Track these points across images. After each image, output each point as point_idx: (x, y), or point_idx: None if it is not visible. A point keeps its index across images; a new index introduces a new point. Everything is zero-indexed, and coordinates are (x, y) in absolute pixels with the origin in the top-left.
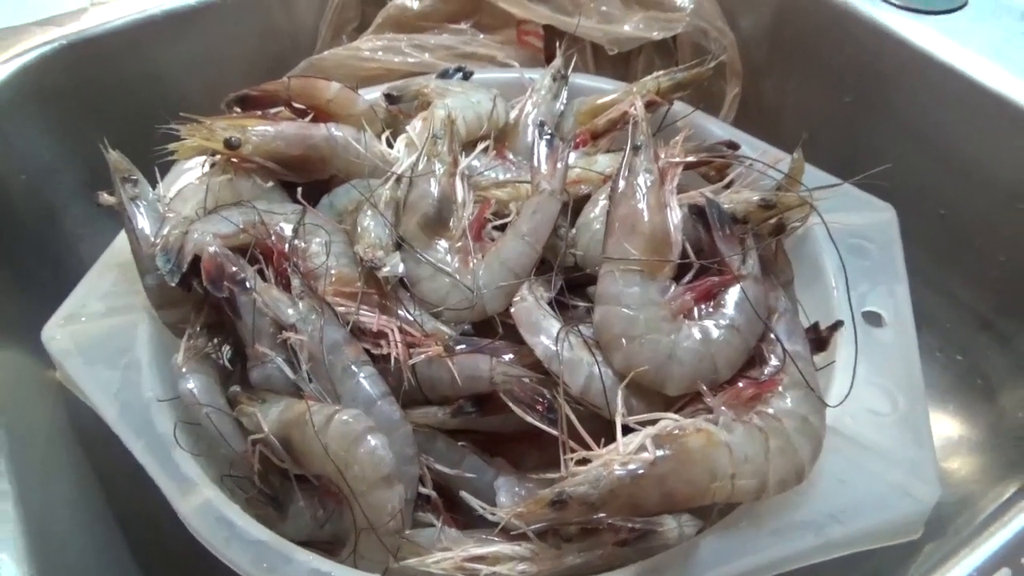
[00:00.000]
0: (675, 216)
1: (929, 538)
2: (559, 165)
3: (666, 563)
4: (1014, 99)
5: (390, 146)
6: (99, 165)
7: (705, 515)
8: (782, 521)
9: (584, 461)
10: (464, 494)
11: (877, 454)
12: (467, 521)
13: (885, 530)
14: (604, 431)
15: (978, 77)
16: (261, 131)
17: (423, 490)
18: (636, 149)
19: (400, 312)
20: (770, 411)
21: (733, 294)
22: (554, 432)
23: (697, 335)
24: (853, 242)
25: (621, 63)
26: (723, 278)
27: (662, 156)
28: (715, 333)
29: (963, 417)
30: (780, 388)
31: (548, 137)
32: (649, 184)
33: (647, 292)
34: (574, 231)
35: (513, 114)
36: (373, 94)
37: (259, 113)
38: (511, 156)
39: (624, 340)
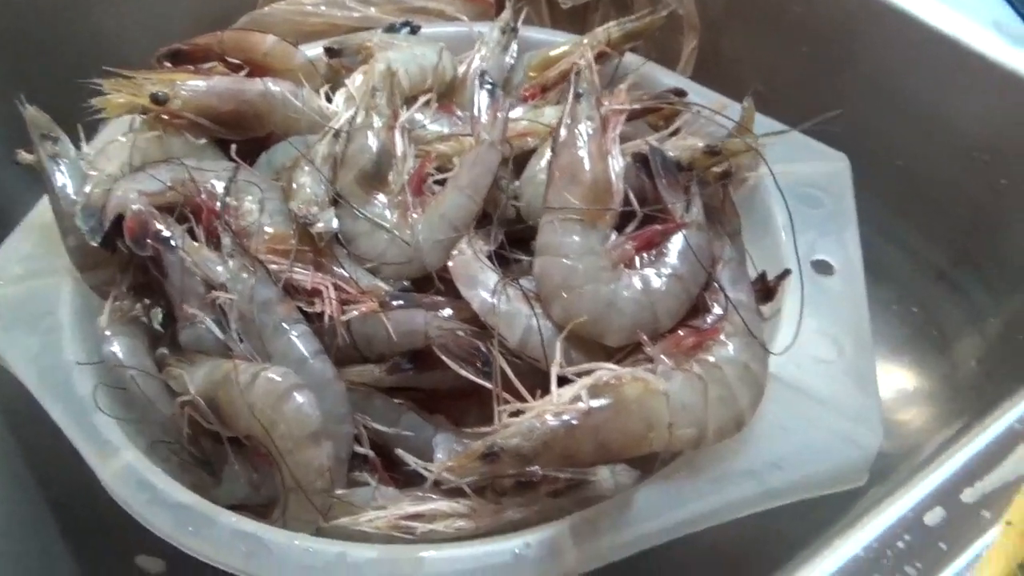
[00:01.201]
0: (617, 164)
1: (875, 484)
2: (500, 115)
3: (602, 513)
4: (973, 47)
5: (330, 101)
6: (14, 123)
7: (649, 466)
8: (722, 470)
9: (519, 413)
10: (400, 451)
11: (820, 402)
12: (409, 481)
13: (828, 477)
14: (544, 385)
15: (937, 24)
16: (191, 86)
17: (360, 449)
18: (578, 97)
19: (336, 269)
20: (711, 359)
21: (676, 243)
22: (488, 385)
23: (638, 284)
24: (804, 191)
25: (578, 18)
26: (666, 226)
27: (605, 103)
28: (656, 282)
29: (918, 369)
30: (722, 336)
31: (489, 87)
32: (591, 132)
33: (587, 241)
34: (517, 183)
35: (461, 68)
36: (315, 50)
37: (191, 68)
38: (459, 112)
39: (563, 291)
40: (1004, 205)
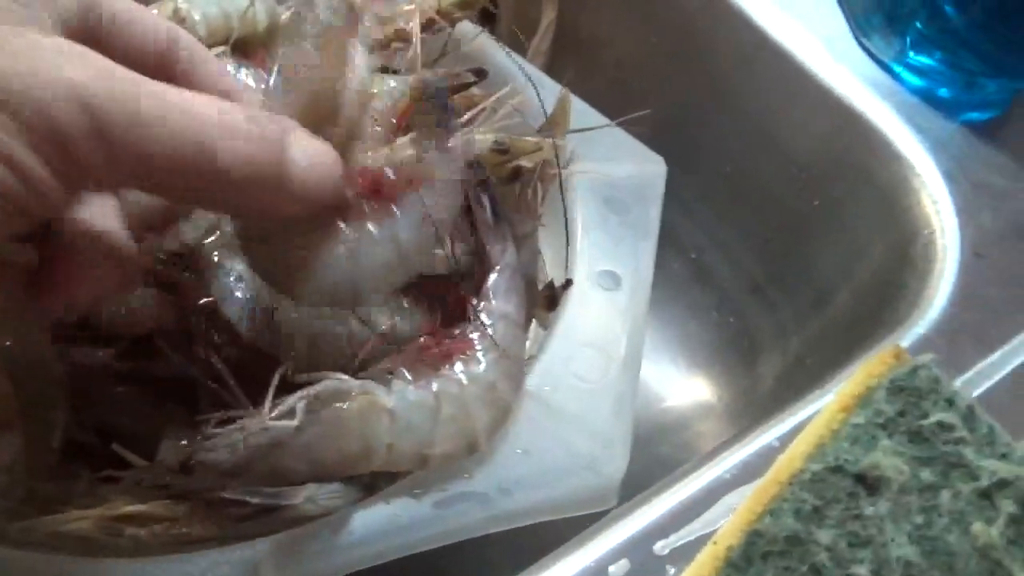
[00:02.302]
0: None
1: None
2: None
3: (310, 535)
4: (799, 59)
5: None
6: None
7: (374, 485)
8: (448, 492)
9: (228, 422)
10: (116, 446)
11: (571, 424)
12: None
13: (567, 502)
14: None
15: (770, 30)
16: None
17: (83, 438)
18: None
19: None
20: (456, 375)
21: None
22: (212, 385)
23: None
24: (612, 195)
25: None
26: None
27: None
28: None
29: (723, 381)
30: (477, 350)
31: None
32: None
33: None
34: None
35: (284, 17)
36: None
37: None
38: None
39: None
40: (815, 226)
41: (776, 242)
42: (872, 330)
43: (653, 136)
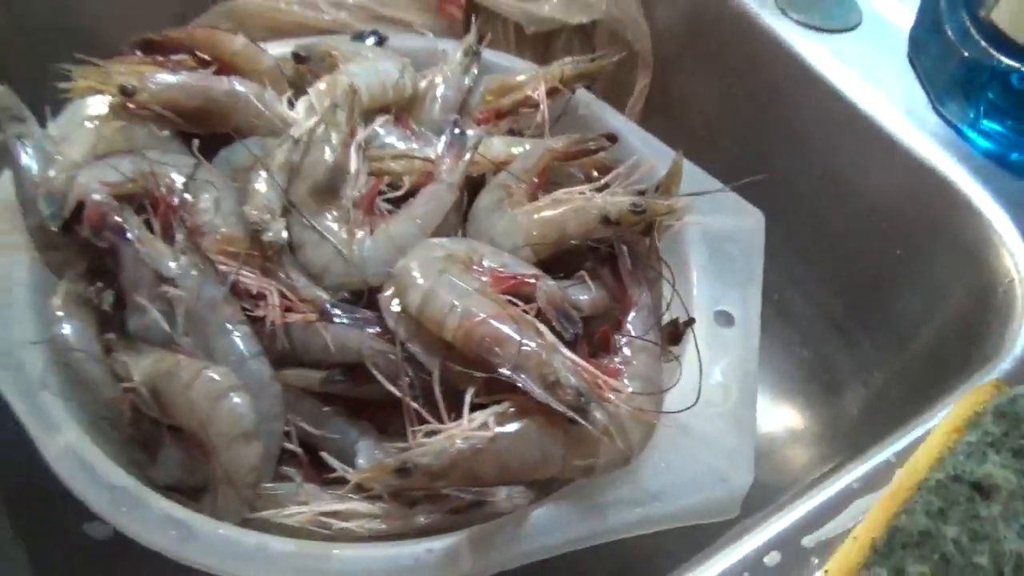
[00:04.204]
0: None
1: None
2: (461, 162)
3: (499, 528)
4: (884, 127)
5: (292, 107)
6: None
7: (548, 488)
8: (608, 497)
9: (433, 433)
10: (324, 454)
11: (703, 442)
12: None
13: (702, 510)
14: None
15: (855, 99)
16: (160, 79)
17: (289, 446)
18: None
19: (281, 275)
20: (610, 398)
21: None
22: (414, 404)
23: None
24: (720, 245)
25: (541, 43)
26: None
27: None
28: None
29: (808, 410)
30: (624, 378)
31: (457, 132)
32: None
33: None
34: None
35: (423, 85)
36: (283, 48)
37: (160, 59)
38: (415, 127)
39: None
40: (897, 272)
41: (858, 285)
42: (960, 366)
43: (739, 189)
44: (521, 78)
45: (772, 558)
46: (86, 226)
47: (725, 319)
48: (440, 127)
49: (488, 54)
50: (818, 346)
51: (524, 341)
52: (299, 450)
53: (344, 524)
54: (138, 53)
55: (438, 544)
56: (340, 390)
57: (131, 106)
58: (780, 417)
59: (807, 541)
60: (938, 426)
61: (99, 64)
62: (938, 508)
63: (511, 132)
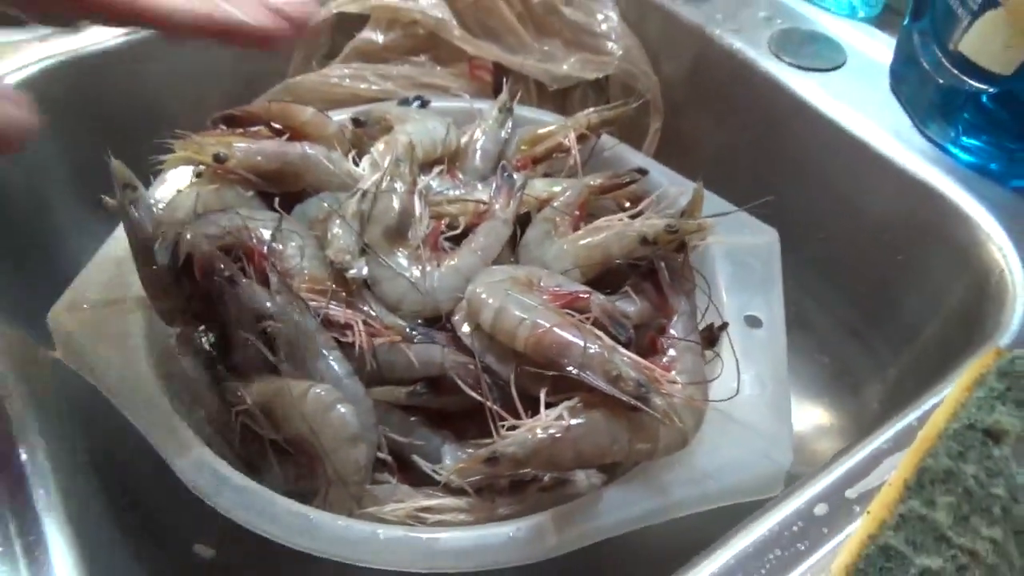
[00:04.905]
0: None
1: None
2: (513, 200)
3: (577, 508)
4: (877, 149)
5: (356, 164)
6: (85, 167)
7: (614, 472)
8: (669, 477)
9: (513, 428)
10: (415, 457)
11: (746, 427)
12: (419, 482)
13: (750, 486)
14: (530, 408)
15: (848, 127)
16: (245, 147)
17: (380, 455)
18: None
19: (363, 307)
20: (666, 387)
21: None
22: (495, 407)
23: None
24: (741, 259)
25: (560, 97)
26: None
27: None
28: None
29: (833, 408)
30: (675, 373)
31: (507, 175)
32: None
33: None
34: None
35: (464, 140)
36: (341, 116)
37: (241, 131)
38: (460, 176)
39: None
40: (901, 276)
41: (869, 292)
42: (964, 347)
43: (752, 212)
44: (551, 128)
45: (820, 508)
46: (198, 273)
47: (753, 322)
48: (482, 175)
49: (519, 109)
50: (836, 351)
51: (587, 344)
52: (388, 458)
53: (439, 516)
54: (222, 127)
55: (525, 523)
56: (424, 401)
57: (219, 172)
58: (808, 416)
59: (850, 493)
60: (951, 389)
61: (192, 137)
62: (958, 451)
63: (546, 175)
